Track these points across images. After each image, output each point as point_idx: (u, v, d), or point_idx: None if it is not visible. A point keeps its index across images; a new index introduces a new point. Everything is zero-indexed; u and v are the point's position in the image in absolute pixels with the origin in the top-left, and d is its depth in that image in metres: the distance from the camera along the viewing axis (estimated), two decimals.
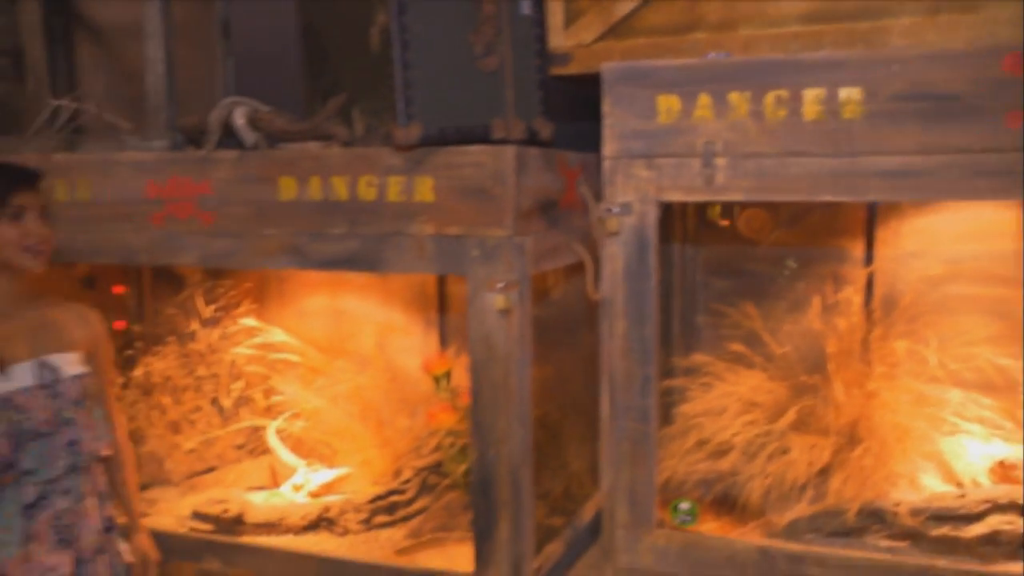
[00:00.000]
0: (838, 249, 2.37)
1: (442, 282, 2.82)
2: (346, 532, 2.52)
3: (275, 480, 2.83)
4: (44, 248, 1.97)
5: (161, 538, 2.25)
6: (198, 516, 2.56)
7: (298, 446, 2.80)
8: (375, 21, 2.02)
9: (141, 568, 2.18)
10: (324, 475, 2.74)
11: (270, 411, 2.89)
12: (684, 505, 2.06)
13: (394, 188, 2.02)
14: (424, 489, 2.59)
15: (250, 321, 2.78)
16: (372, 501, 2.57)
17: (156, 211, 2.27)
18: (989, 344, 2.23)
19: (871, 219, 2.35)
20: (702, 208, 2.44)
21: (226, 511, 2.55)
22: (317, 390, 2.77)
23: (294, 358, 2.76)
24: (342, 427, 2.76)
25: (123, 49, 2.85)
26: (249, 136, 2.33)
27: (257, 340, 2.74)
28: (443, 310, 2.82)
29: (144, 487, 2.71)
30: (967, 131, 1.68)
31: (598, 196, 2.30)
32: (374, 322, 2.87)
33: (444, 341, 2.81)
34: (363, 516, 2.56)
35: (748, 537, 2.06)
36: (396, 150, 1.99)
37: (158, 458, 2.86)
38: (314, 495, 2.70)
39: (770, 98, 1.78)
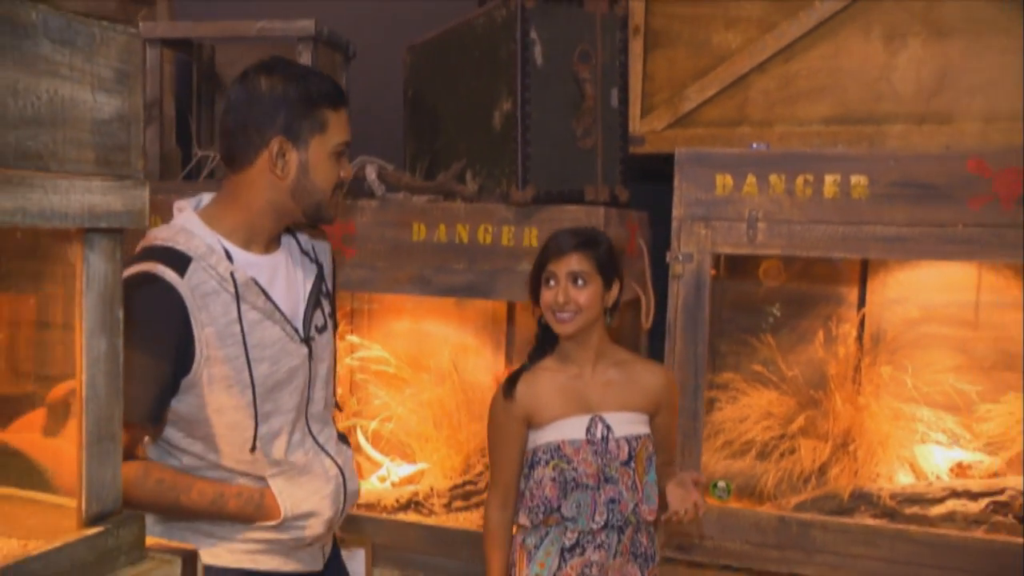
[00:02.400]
0: (838, 294, 3.04)
1: (511, 309, 3.44)
2: (431, 513, 3.11)
3: (360, 474, 3.41)
4: (569, 310, 2.06)
5: None
6: None
7: (379, 444, 3.38)
8: (498, 105, 2.66)
9: None
10: (405, 469, 3.32)
11: (359, 414, 3.47)
12: (721, 484, 2.69)
13: (506, 235, 2.66)
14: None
15: (354, 338, 3.38)
16: (452, 489, 3.16)
17: None
18: (952, 373, 2.89)
19: (864, 272, 3.02)
20: (731, 260, 3.09)
21: None
22: (403, 399, 3.36)
23: (389, 370, 3.36)
24: (422, 430, 3.35)
25: None
26: (379, 188, 2.97)
27: (360, 354, 3.34)
28: (510, 333, 3.43)
29: None
30: (941, 211, 2.35)
31: (648, 246, 2.97)
32: (451, 342, 3.47)
33: (510, 359, 3.42)
34: (445, 501, 3.15)
35: (767, 510, 2.69)
36: (512, 205, 2.64)
37: None
38: (396, 485, 3.27)
39: (800, 180, 2.45)
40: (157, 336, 1.56)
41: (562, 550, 2.09)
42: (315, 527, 1.76)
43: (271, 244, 1.76)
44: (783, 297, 3.04)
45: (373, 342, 3.39)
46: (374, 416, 3.34)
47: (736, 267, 3.04)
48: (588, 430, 2.08)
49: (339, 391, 2.18)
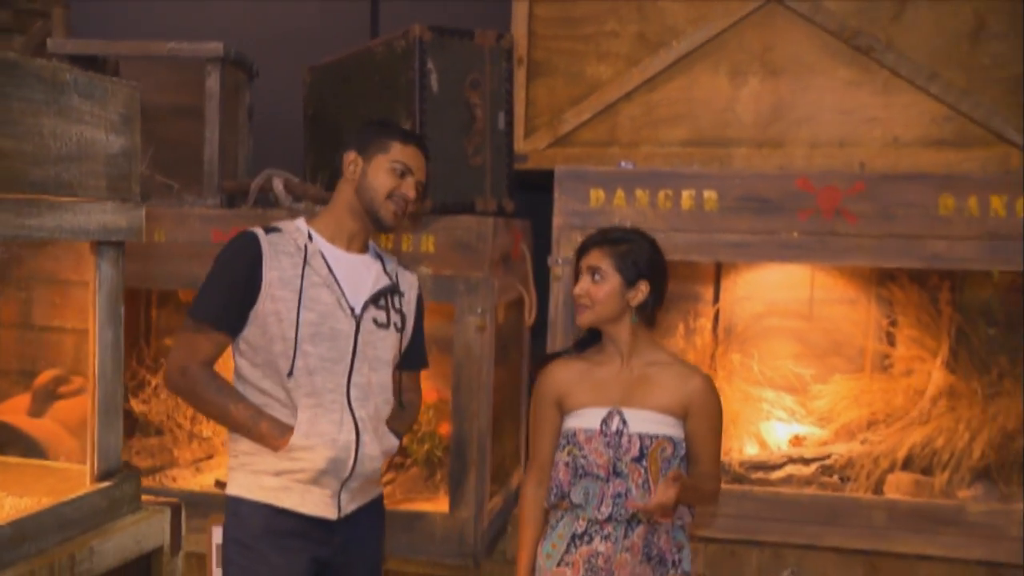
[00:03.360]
0: (696, 292, 3.51)
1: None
2: None
3: None
4: (584, 303, 2.19)
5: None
6: (219, 484, 3.40)
7: None
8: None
9: None
10: None
11: None
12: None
13: (406, 242, 3.01)
14: (391, 467, 3.53)
15: None
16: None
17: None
18: (791, 359, 3.40)
19: (718, 273, 3.50)
20: None
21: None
22: None
23: None
24: None
25: (166, 125, 3.70)
26: (285, 199, 3.28)
27: None
28: None
29: (158, 469, 3.48)
30: (777, 221, 2.82)
31: (531, 251, 3.38)
32: None
33: None
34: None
35: None
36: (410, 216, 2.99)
37: (168, 447, 3.66)
38: None
39: (661, 194, 2.88)
40: (238, 264, 2.17)
41: (573, 536, 2.18)
42: (316, 460, 2.15)
43: (353, 245, 2.31)
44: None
45: None
46: None
47: None
48: (604, 422, 2.17)
49: (410, 424, 2.54)
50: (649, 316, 2.26)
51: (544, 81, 3.20)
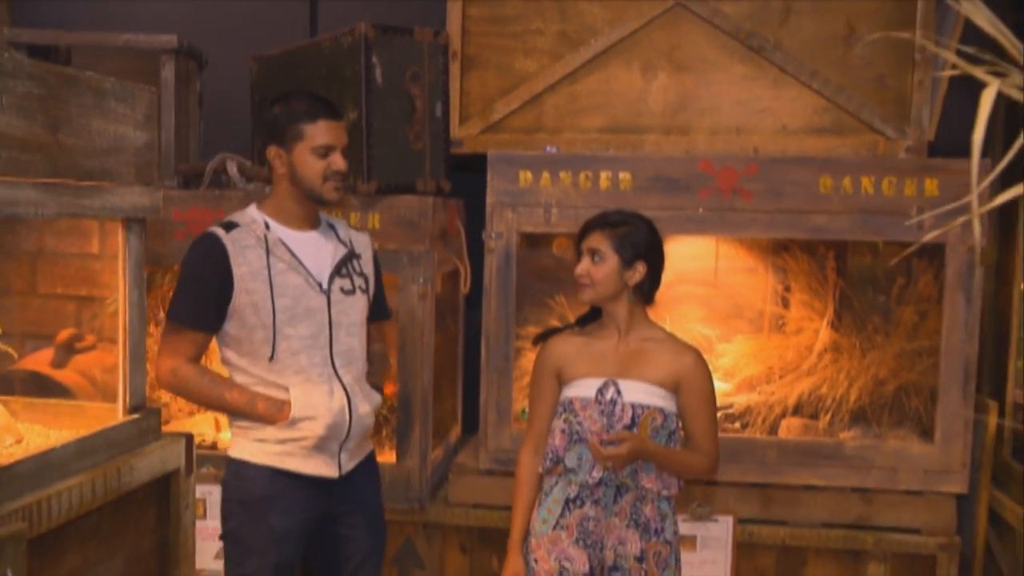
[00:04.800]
0: None
1: None
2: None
3: (218, 427, 4.02)
4: (584, 283, 2.36)
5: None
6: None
7: None
8: (345, 115, 3.37)
9: None
10: None
11: None
12: (527, 409, 3.54)
13: (353, 219, 3.38)
14: None
15: None
16: None
17: (180, 230, 3.46)
18: (699, 322, 3.87)
19: None
20: (531, 238, 3.94)
21: (203, 440, 3.74)
22: None
23: None
24: None
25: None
26: (240, 181, 3.62)
27: None
28: None
29: None
30: (683, 199, 3.27)
31: (465, 227, 3.77)
32: None
33: None
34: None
35: None
36: (359, 195, 3.37)
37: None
38: None
39: (582, 176, 3.30)
40: (207, 266, 2.35)
41: (567, 500, 2.31)
42: (316, 428, 2.40)
43: (305, 224, 2.51)
44: (571, 266, 3.92)
45: None
46: None
47: (535, 243, 3.89)
48: (600, 391, 2.30)
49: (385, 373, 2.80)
50: (646, 294, 2.41)
51: (477, 74, 3.59)
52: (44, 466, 1.50)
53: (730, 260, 3.87)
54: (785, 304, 3.79)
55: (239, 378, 2.44)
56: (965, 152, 1.42)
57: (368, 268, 2.66)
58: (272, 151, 2.48)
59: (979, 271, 3.05)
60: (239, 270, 2.35)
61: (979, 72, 1.07)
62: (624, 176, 3.27)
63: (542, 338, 2.52)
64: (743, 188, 3.20)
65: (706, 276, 3.91)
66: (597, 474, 2.24)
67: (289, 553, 2.45)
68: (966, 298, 3.06)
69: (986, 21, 1.04)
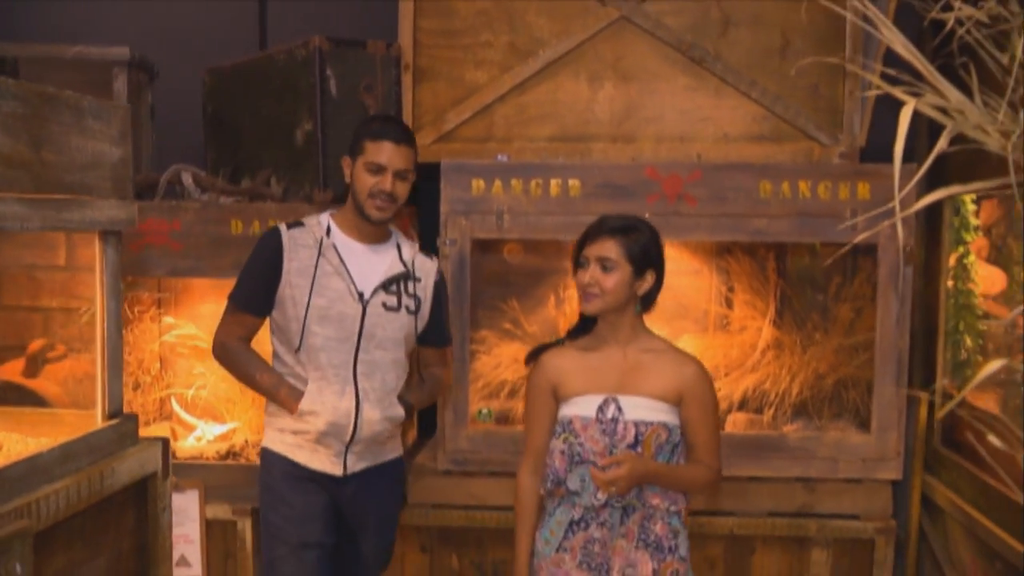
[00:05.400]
0: (564, 267, 4.07)
1: None
2: (249, 460, 3.85)
3: (175, 436, 4.07)
4: (593, 292, 2.23)
5: None
6: None
7: (196, 410, 4.05)
8: (300, 125, 3.47)
9: None
10: (218, 428, 4.03)
11: (171, 385, 4.12)
12: (484, 411, 3.66)
13: None
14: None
15: (170, 319, 4.04)
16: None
17: (135, 241, 3.51)
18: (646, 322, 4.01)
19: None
20: (484, 244, 4.05)
21: None
22: (212, 368, 4.06)
23: (202, 345, 4.05)
24: (230, 395, 4.07)
25: None
26: (195, 191, 3.68)
27: (176, 332, 4.00)
28: None
29: None
30: (630, 205, 3.39)
31: (418, 233, 3.88)
32: None
33: None
34: (258, 450, 3.90)
35: (518, 429, 3.68)
36: (315, 204, 3.45)
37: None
38: (211, 443, 3.98)
39: (533, 183, 3.43)
40: (263, 256, 2.64)
41: (570, 523, 2.22)
42: (317, 423, 2.58)
43: (364, 236, 2.68)
44: (523, 271, 4.05)
45: (186, 322, 4.07)
46: (191, 386, 4.03)
47: (487, 249, 4.00)
48: (600, 409, 2.20)
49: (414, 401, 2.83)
50: (648, 304, 2.35)
51: (428, 85, 3.70)
52: (32, 470, 1.58)
53: (676, 263, 4.02)
54: (729, 304, 3.95)
55: (276, 364, 2.67)
56: (892, 157, 1.58)
57: (425, 293, 2.77)
58: (345, 161, 2.71)
59: (909, 270, 3.24)
60: (289, 264, 2.58)
61: (898, 92, 1.21)
62: (573, 183, 3.40)
63: (535, 355, 2.43)
64: (687, 194, 3.35)
65: None
66: (602, 496, 2.16)
67: (314, 534, 2.62)
68: (897, 295, 3.25)
69: (902, 47, 1.19)
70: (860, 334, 3.57)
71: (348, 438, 2.62)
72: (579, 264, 2.28)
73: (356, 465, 2.67)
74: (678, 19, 3.59)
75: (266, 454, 2.73)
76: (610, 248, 2.22)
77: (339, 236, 2.67)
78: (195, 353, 4.08)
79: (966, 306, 3.39)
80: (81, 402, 2.23)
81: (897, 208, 1.19)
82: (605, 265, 2.21)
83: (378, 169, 2.60)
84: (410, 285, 2.71)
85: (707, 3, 3.57)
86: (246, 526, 3.57)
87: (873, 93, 1.68)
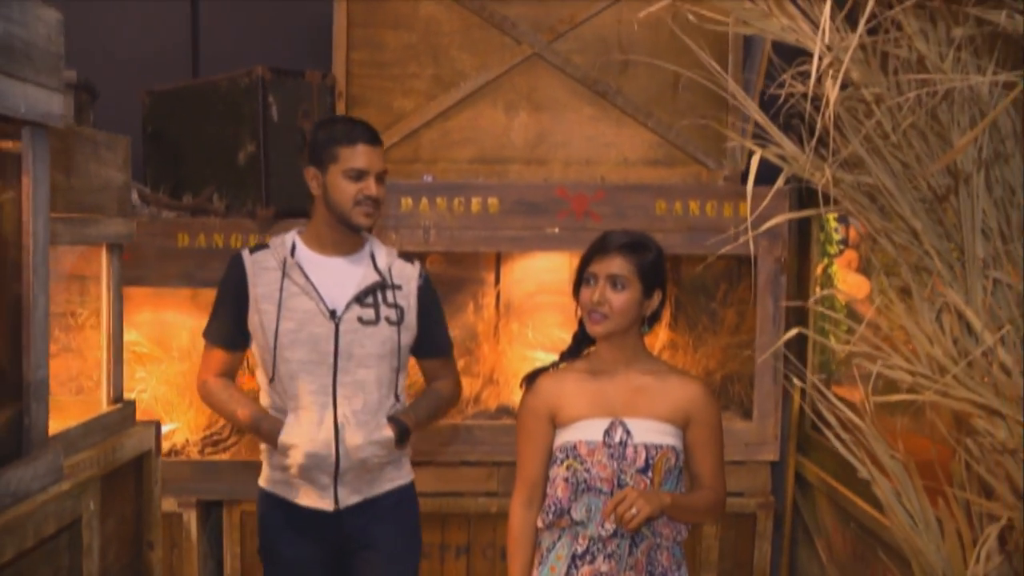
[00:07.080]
0: (481, 277, 4.53)
1: None
2: (189, 458, 4.20)
3: None
4: (602, 311, 2.08)
5: None
6: None
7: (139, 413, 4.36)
8: (243, 147, 3.85)
9: None
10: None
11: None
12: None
13: (252, 240, 3.85)
14: (234, 432, 4.33)
15: None
16: (202, 439, 4.27)
17: None
18: (557, 327, 4.48)
19: (498, 261, 4.52)
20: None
21: None
22: (153, 373, 4.39)
23: (144, 351, 4.37)
24: (169, 398, 4.40)
25: None
26: (140, 206, 4.02)
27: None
28: None
29: None
30: (542, 220, 3.88)
31: None
32: (187, 327, 4.54)
33: None
34: (198, 448, 4.25)
35: (451, 422, 4.11)
36: (257, 220, 3.84)
37: None
38: None
39: (456, 201, 3.88)
40: (228, 287, 2.47)
41: (573, 556, 2.08)
42: (296, 457, 2.36)
43: (336, 249, 2.48)
44: (446, 280, 4.50)
45: (128, 328, 4.39)
46: (133, 389, 4.35)
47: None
48: (607, 433, 2.08)
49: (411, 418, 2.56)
50: (652, 324, 2.23)
51: (360, 111, 4.12)
52: (65, 441, 1.95)
53: None
54: None
55: (262, 398, 2.49)
56: (771, 180, 2.05)
57: (408, 301, 2.54)
58: (309, 172, 2.48)
59: (783, 278, 3.80)
60: (255, 291, 2.41)
61: (748, 142, 1.71)
62: (492, 201, 3.86)
63: (530, 379, 2.30)
64: (593, 211, 3.84)
65: (562, 286, 4.49)
66: (611, 525, 2.03)
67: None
68: (774, 300, 3.81)
69: (752, 111, 1.69)
70: (744, 334, 4.12)
71: (333, 469, 2.38)
72: (584, 281, 2.16)
73: (350, 498, 2.43)
74: (584, 57, 4.10)
75: (259, 492, 2.51)
76: (620, 265, 2.12)
77: (304, 253, 2.46)
78: (136, 359, 4.40)
79: (830, 309, 3.98)
80: (79, 392, 2.59)
81: (750, 228, 1.68)
82: (616, 282, 2.11)
83: (359, 175, 2.41)
84: (388, 294, 2.48)
85: (610, 43, 4.09)
86: (191, 518, 3.93)
87: (735, 142, 2.18)
